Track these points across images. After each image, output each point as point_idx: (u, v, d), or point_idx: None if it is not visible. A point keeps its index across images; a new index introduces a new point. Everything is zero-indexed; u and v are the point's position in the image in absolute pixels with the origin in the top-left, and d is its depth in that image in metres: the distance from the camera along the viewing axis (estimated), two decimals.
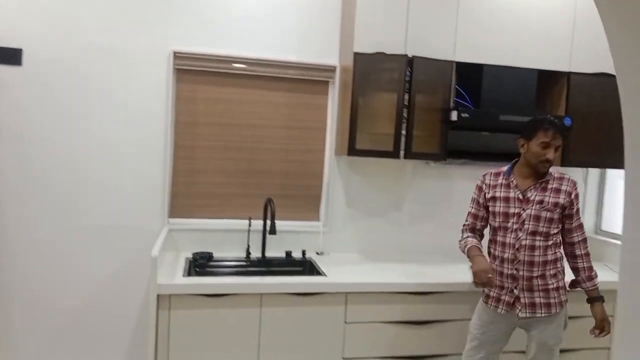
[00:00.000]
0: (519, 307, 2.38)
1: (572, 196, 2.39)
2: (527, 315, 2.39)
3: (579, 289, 2.47)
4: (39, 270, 2.89)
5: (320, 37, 3.13)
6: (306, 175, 3.23)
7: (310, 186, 3.25)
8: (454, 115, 2.95)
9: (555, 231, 2.39)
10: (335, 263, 2.99)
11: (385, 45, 2.89)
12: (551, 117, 2.40)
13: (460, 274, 2.91)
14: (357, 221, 3.28)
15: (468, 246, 2.49)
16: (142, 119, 2.95)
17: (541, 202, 2.37)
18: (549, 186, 2.40)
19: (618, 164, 3.21)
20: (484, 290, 2.51)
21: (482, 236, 2.59)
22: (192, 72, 3.02)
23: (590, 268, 2.43)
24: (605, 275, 2.81)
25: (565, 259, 2.47)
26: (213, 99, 3.07)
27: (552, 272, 2.39)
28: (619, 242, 3.31)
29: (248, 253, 3.04)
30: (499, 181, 2.48)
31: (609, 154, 3.25)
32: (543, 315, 2.38)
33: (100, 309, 2.98)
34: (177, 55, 2.97)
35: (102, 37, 2.87)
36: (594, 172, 3.64)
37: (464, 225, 2.62)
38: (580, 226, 2.43)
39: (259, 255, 3.07)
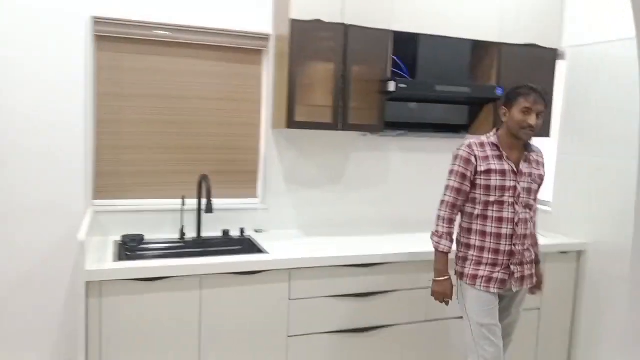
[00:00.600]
0: (512, 282, 2.36)
1: (545, 167, 2.46)
2: (518, 290, 2.40)
3: None
4: None
5: (252, 3, 2.97)
6: (242, 150, 3.09)
7: (246, 161, 3.11)
8: (391, 86, 2.92)
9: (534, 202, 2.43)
10: (275, 240, 2.90)
11: (322, 13, 2.79)
12: (532, 85, 2.33)
13: (403, 243, 2.92)
14: (295, 196, 3.19)
15: (441, 249, 2.38)
16: (58, 91, 2.67)
17: (530, 174, 2.37)
18: (532, 158, 2.41)
19: (544, 133, 3.35)
20: (462, 272, 2.41)
21: (457, 214, 2.42)
22: (114, 39, 2.77)
23: (536, 235, 2.52)
24: None
25: None
26: (139, 69, 2.84)
27: (532, 243, 2.45)
28: (547, 208, 3.45)
29: (182, 234, 2.87)
30: (488, 152, 2.36)
31: None
32: (528, 286, 2.44)
33: (20, 303, 2.70)
34: (97, 21, 2.70)
35: (14, 1, 2.56)
36: None
37: (442, 202, 2.40)
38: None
39: (195, 235, 2.91)
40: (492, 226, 2.34)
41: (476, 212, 2.37)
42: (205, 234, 2.94)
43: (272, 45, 3.03)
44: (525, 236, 2.37)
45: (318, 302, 2.64)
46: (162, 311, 2.37)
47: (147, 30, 2.80)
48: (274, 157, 3.12)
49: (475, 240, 2.38)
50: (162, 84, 2.89)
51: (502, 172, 2.33)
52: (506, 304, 2.47)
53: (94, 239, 2.67)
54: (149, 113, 2.88)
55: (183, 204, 2.89)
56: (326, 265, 2.63)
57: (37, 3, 2.59)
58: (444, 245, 2.38)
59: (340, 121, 2.89)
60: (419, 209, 3.48)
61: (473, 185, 2.37)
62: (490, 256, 2.35)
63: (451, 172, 2.40)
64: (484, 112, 3.34)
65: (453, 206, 2.38)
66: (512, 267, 2.35)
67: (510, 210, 2.33)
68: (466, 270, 2.40)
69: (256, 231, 3.08)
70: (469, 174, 2.35)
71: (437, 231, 2.40)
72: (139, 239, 2.76)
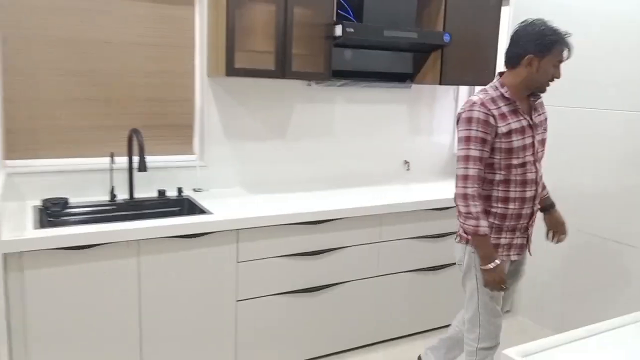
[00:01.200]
0: (528, 246, 2.20)
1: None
2: (530, 254, 2.23)
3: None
4: None
5: None
6: (174, 102, 2.80)
7: (180, 114, 2.83)
8: (338, 30, 2.72)
9: None
10: (217, 199, 2.69)
11: None
12: (562, 30, 2.02)
13: (351, 198, 2.80)
14: (236, 152, 2.96)
15: (482, 232, 2.00)
16: None
17: (541, 123, 2.14)
18: (537, 103, 2.15)
19: (487, 81, 3.28)
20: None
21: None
22: None
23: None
24: None
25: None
26: (52, 8, 2.45)
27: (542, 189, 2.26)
28: None
29: (113, 195, 2.59)
30: (503, 109, 2.02)
31: (479, 72, 3.30)
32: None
33: None
34: None
35: None
36: (463, 90, 3.70)
37: (465, 177, 2.00)
38: None
39: (127, 197, 2.64)
40: (515, 190, 2.07)
41: (497, 177, 2.06)
42: (138, 195, 2.67)
43: None
44: (539, 194, 2.16)
45: (267, 263, 2.49)
46: (94, 283, 2.13)
47: None
48: (212, 108, 2.86)
49: (497, 207, 2.09)
50: (81, 27, 2.52)
51: (522, 131, 2.04)
52: (517, 265, 2.27)
53: (9, 204, 2.34)
54: (67, 61, 2.52)
55: (112, 162, 2.59)
56: (275, 224, 2.46)
57: None
58: (484, 227, 2.01)
59: (283, 68, 2.67)
60: (365, 162, 3.36)
61: (492, 149, 2.04)
62: (511, 223, 2.10)
63: (468, 138, 2.00)
64: (431, 59, 3.22)
65: (479, 179, 2.02)
66: (530, 229, 2.17)
67: (532, 171, 2.07)
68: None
69: (195, 190, 2.84)
70: (489, 137, 2.00)
71: (469, 212, 2.00)
72: (62, 203, 2.46)
